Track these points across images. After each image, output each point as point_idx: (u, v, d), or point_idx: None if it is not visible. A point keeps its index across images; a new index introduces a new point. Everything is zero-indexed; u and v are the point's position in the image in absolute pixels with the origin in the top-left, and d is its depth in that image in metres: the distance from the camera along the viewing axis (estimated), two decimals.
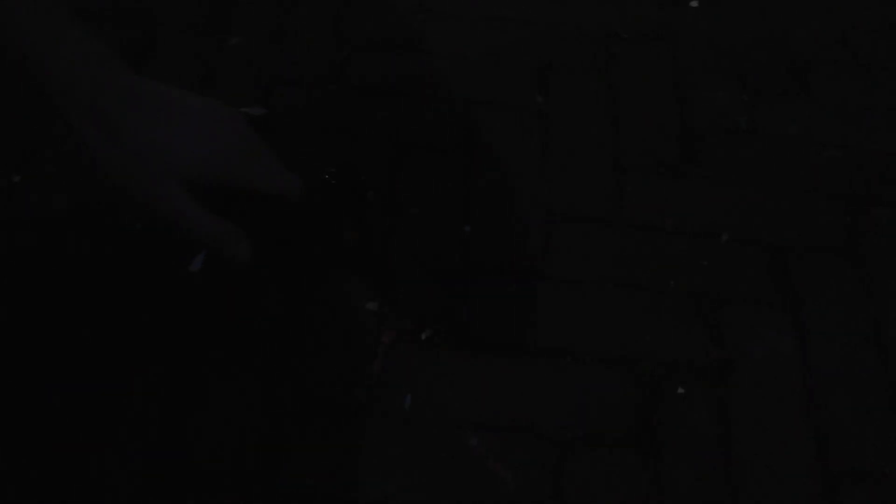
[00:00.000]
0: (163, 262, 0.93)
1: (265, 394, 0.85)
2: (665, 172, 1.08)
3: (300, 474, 0.80)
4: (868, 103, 1.20)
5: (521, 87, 1.18)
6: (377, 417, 0.84)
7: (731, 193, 1.06)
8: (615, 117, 1.15)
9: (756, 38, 1.29)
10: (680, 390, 0.88)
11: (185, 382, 0.85)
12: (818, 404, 0.88)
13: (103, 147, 0.61)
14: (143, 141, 0.61)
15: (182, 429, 0.82)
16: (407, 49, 1.22)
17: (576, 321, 0.93)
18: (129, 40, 1.18)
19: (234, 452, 0.81)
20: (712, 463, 0.84)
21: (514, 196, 1.04)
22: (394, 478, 0.80)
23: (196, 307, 0.90)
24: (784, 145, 1.13)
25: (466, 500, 0.79)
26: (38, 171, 1.01)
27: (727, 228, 1.02)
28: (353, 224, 0.88)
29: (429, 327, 0.90)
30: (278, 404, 0.84)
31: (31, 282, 0.91)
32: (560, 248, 0.99)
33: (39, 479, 0.78)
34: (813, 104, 1.20)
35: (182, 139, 0.62)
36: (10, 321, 0.88)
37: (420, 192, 1.03)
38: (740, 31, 1.30)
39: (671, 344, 0.92)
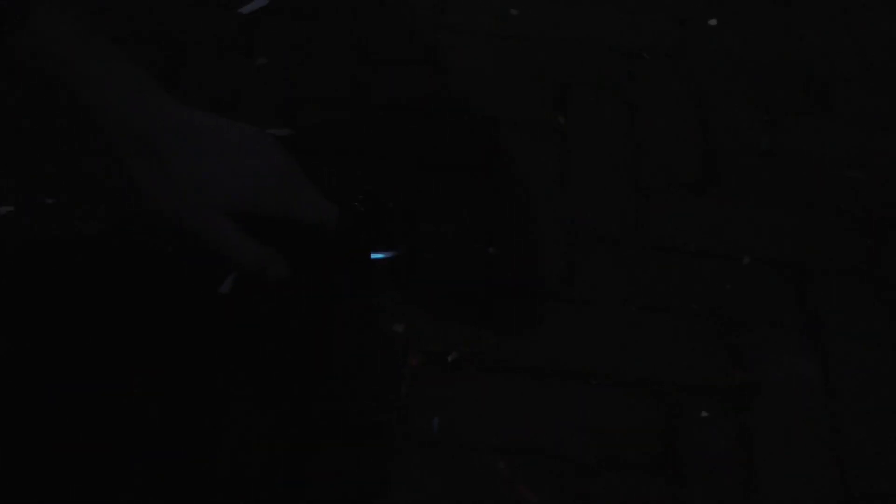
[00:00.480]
0: (193, 283, 0.95)
1: (289, 413, 0.87)
2: (686, 193, 1.09)
3: (324, 494, 0.82)
4: (890, 122, 1.21)
5: (541, 106, 1.20)
6: (404, 440, 0.85)
7: (753, 214, 1.07)
8: (635, 137, 1.16)
9: (775, 55, 1.29)
10: (703, 413, 0.89)
11: (207, 397, 0.87)
12: (840, 428, 0.89)
13: (150, 177, 0.63)
14: (189, 171, 0.63)
15: (203, 445, 0.84)
16: (427, 66, 1.23)
17: (598, 343, 0.94)
18: (157, 61, 1.20)
19: (253, 470, 0.83)
20: (734, 486, 0.85)
21: (536, 217, 1.05)
22: (421, 501, 0.82)
23: (222, 325, 0.92)
24: (805, 165, 1.14)
25: None
26: (69, 195, 1.03)
27: (749, 250, 1.03)
28: (381, 248, 0.90)
29: (455, 350, 0.92)
30: (302, 424, 0.86)
31: (61, 300, 0.93)
32: (582, 269, 1.00)
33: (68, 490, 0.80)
34: (834, 123, 1.20)
35: (226, 170, 0.64)
36: (41, 337, 0.90)
37: (444, 213, 1.04)
38: (759, 48, 1.30)
39: (694, 367, 0.93)
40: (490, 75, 1.23)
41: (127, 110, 0.62)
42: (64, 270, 0.96)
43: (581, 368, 0.92)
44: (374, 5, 1.32)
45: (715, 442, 0.88)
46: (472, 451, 0.85)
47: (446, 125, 1.15)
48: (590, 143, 1.15)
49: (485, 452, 0.85)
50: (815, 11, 1.37)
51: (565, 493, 0.83)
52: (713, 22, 1.33)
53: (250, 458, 0.83)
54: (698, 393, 0.91)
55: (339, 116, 1.15)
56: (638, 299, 0.98)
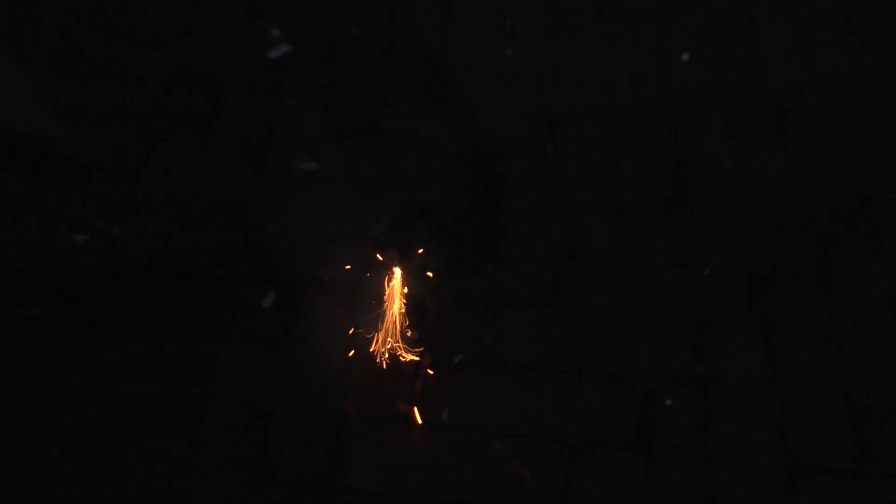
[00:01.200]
0: (240, 299, 1.13)
1: (328, 410, 1.04)
2: (659, 213, 1.26)
3: (359, 475, 1.00)
4: (840, 147, 1.36)
5: (532, 136, 1.36)
6: (421, 426, 1.03)
7: (715, 229, 1.24)
8: (616, 163, 1.33)
9: (741, 87, 1.45)
10: (668, 402, 1.06)
11: (260, 402, 1.05)
12: (785, 412, 1.06)
13: None
14: None
15: (259, 437, 1.02)
16: (431, 102, 1.40)
17: (583, 344, 1.11)
18: (197, 103, 1.37)
19: (303, 457, 1.01)
20: (696, 461, 1.02)
21: (529, 236, 1.22)
22: (437, 477, 1.00)
23: (268, 340, 1.10)
24: (763, 185, 1.30)
25: (492, 493, 0.99)
26: (132, 225, 1.21)
27: (711, 260, 1.20)
28: (400, 268, 1.08)
29: (460, 352, 1.09)
30: (340, 418, 1.04)
31: (125, 317, 1.11)
32: (569, 281, 1.18)
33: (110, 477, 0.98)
34: (790, 147, 1.36)
35: None
36: (109, 352, 1.08)
37: (451, 238, 1.22)
38: (727, 80, 1.46)
39: (662, 362, 1.10)
40: (486, 108, 1.39)
41: None
42: (127, 292, 1.14)
43: (568, 365, 1.09)
44: (384, 51, 1.49)
45: (680, 424, 1.05)
46: (475, 434, 1.03)
47: (450, 158, 1.32)
48: (576, 170, 1.31)
49: (486, 436, 1.03)
50: (778, 45, 1.53)
51: (553, 468, 1.01)
52: (685, 57, 1.49)
53: (300, 444, 1.01)
54: (666, 384, 1.08)
55: (359, 151, 1.32)
56: (617, 306, 1.15)
